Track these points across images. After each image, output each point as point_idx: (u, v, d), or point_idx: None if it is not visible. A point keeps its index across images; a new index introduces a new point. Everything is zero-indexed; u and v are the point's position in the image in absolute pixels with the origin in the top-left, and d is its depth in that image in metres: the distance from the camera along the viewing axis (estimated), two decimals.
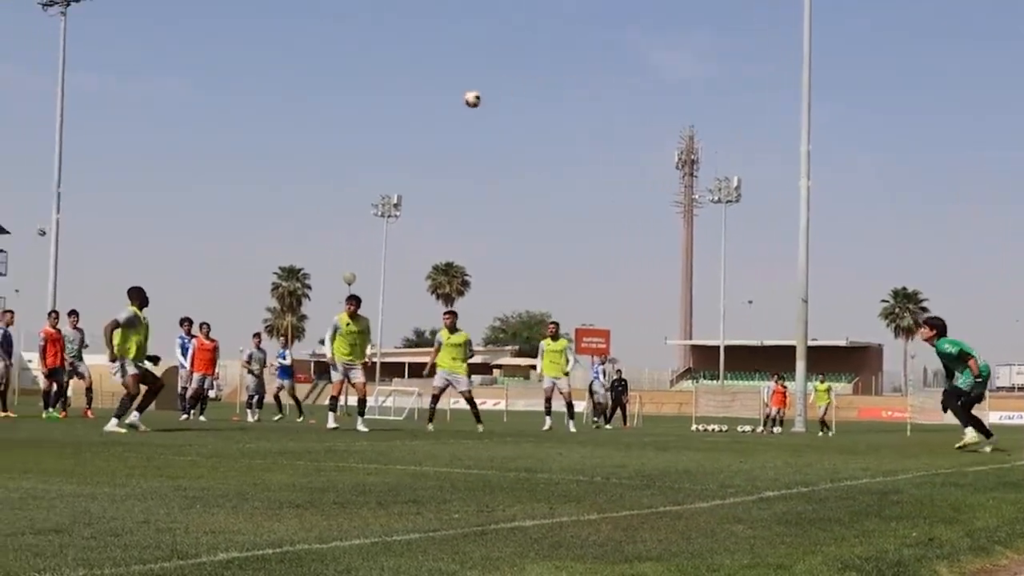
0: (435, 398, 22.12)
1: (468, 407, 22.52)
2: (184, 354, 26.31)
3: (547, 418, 24.94)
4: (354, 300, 20.45)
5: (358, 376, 20.02)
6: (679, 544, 5.17)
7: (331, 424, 19.59)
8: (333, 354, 19.93)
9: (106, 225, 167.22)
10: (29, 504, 6.09)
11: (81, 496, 6.54)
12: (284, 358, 30.32)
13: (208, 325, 26.47)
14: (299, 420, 26.75)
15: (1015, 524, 6.42)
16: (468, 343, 21.89)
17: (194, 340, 26.15)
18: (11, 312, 25.13)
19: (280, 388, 29.76)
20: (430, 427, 21.43)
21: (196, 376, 25.99)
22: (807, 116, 38.69)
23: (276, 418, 27.30)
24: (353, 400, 24.05)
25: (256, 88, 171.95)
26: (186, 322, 26.41)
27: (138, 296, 17.29)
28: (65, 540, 4.77)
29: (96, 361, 25.67)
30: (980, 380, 16.78)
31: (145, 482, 7.58)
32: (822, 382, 36.04)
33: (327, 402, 20.81)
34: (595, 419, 33.52)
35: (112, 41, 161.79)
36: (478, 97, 19.89)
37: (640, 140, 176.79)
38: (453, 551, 4.75)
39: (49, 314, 25.12)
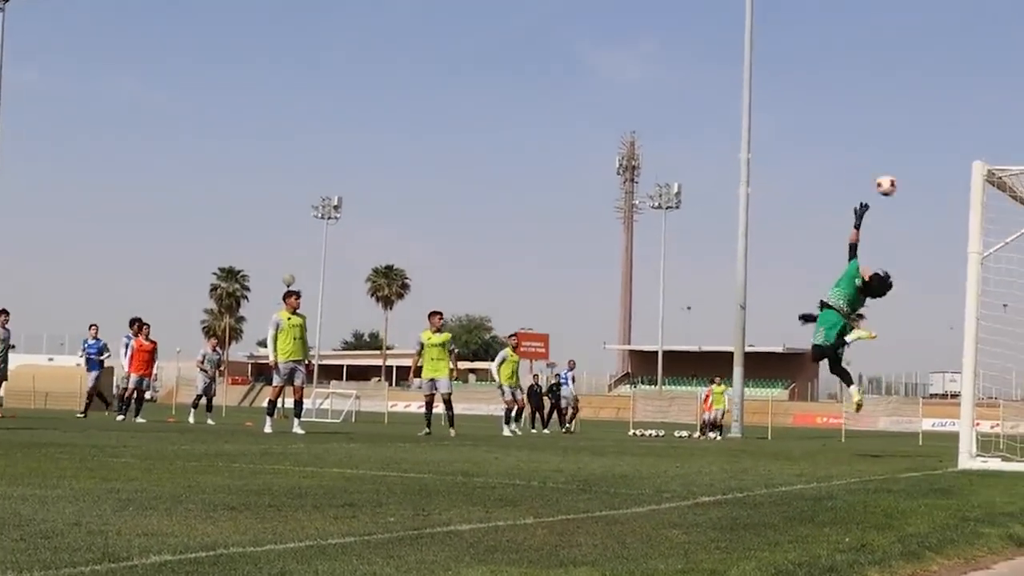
0: (428, 403, 22.49)
1: (444, 409, 22.63)
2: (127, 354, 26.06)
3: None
4: (295, 295, 20.35)
5: (299, 379, 19.87)
6: (614, 549, 5.18)
7: (268, 428, 19.32)
8: (277, 357, 19.77)
9: (41, 222, 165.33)
10: None
11: (11, 497, 6.45)
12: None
13: (148, 326, 26.25)
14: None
15: (946, 530, 6.49)
16: (449, 343, 22.00)
17: (132, 341, 25.93)
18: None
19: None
20: (426, 431, 21.30)
21: (133, 377, 25.78)
22: (747, 124, 39.07)
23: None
24: (289, 403, 23.97)
25: (196, 87, 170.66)
26: (136, 323, 26.14)
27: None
28: None
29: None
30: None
31: (77, 483, 7.49)
32: (719, 384, 36.32)
33: (264, 404, 20.64)
34: (568, 425, 33.56)
35: (46, 36, 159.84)
36: (893, 183, 17.80)
37: (582, 144, 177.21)
38: (388, 555, 4.73)
39: None
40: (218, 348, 29.31)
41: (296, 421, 19.73)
